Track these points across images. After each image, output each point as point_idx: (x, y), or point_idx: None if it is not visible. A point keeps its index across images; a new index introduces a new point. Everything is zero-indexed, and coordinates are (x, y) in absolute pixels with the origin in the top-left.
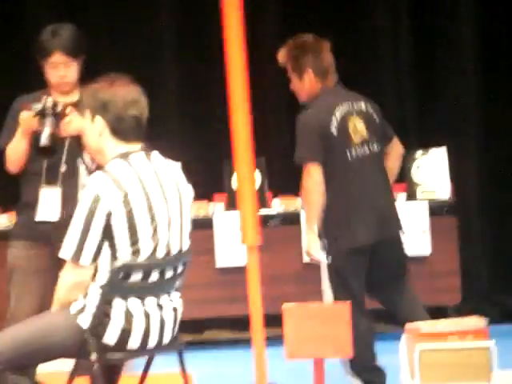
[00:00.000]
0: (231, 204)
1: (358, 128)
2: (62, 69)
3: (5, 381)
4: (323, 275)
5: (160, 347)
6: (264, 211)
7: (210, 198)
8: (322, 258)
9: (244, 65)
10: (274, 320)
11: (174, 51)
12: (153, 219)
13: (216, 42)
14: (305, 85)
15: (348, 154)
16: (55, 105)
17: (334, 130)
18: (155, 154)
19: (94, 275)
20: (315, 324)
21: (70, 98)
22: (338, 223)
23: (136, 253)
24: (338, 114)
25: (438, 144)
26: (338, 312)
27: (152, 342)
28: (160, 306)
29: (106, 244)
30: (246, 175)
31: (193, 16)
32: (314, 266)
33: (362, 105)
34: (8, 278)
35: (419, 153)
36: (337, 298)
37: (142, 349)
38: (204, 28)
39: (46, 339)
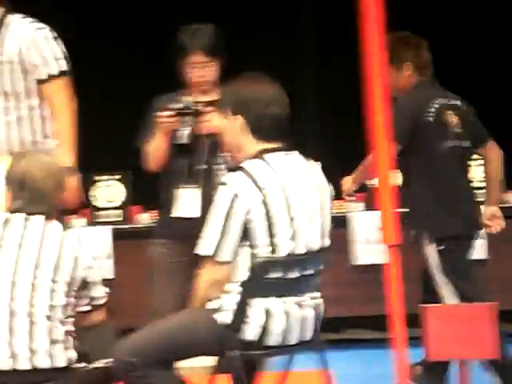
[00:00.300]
0: (369, 203)
1: (454, 122)
2: (201, 68)
3: (148, 376)
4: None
5: (301, 345)
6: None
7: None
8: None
9: (383, 76)
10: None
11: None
12: (292, 218)
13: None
14: (402, 78)
15: (442, 145)
16: (195, 104)
17: (431, 119)
18: (295, 153)
19: (233, 273)
20: (458, 324)
21: (209, 97)
22: (428, 212)
23: (275, 250)
24: (436, 105)
25: None
26: (482, 312)
27: (292, 340)
28: (300, 304)
29: (245, 242)
30: (386, 175)
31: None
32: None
33: (458, 102)
34: (149, 276)
35: None
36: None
37: (283, 347)
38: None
39: (187, 335)
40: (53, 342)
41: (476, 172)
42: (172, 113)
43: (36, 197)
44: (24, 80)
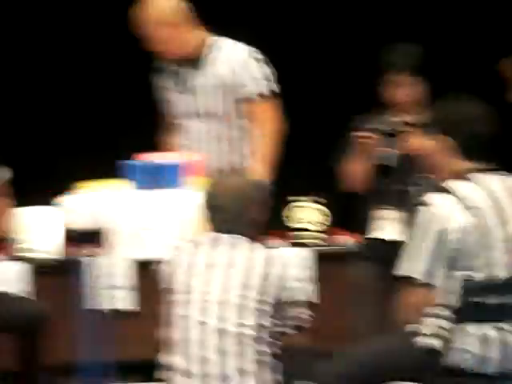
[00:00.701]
0: None
1: None
2: (407, 88)
3: None
4: None
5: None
6: None
7: None
8: None
9: None
10: None
11: None
12: (506, 238)
13: None
14: None
15: None
16: (398, 124)
17: None
18: (503, 173)
19: (438, 296)
20: None
21: (413, 117)
22: None
23: (489, 273)
24: None
25: None
26: None
27: (507, 369)
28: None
29: (453, 264)
30: None
31: None
32: None
33: None
34: (351, 298)
35: None
36: None
37: (497, 376)
38: None
39: (389, 359)
40: (259, 364)
41: None
42: (374, 133)
43: (230, 218)
44: (235, 101)
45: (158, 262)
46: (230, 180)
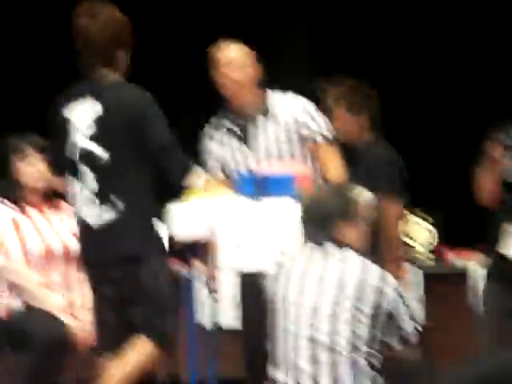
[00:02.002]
0: None
1: None
2: None
3: None
4: None
5: None
6: None
7: None
8: None
9: None
10: None
11: None
12: None
13: None
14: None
15: None
16: None
17: None
18: None
19: None
20: None
21: None
22: None
23: None
24: None
25: None
26: None
27: None
28: None
29: None
30: None
31: None
32: None
33: None
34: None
35: None
36: None
37: None
38: None
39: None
40: (357, 375)
41: None
42: (504, 146)
43: (321, 226)
44: (300, 142)
45: (263, 275)
46: (324, 192)
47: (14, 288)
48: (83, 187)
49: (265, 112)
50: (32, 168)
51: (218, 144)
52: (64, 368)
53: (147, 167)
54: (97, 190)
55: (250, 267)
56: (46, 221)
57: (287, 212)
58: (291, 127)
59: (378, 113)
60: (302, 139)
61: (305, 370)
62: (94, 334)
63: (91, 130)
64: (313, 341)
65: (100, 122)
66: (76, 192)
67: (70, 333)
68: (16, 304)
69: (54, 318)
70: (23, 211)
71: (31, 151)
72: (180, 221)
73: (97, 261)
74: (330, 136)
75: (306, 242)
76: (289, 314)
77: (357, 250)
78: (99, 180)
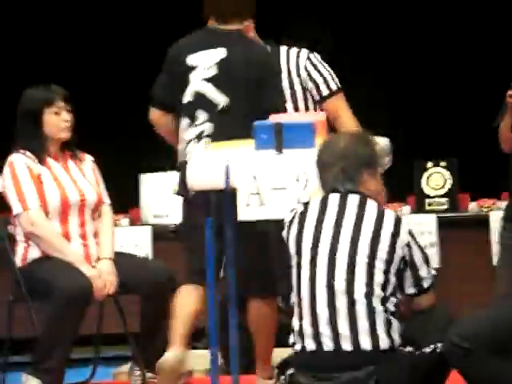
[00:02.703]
0: None
1: None
2: None
3: (484, 364)
4: None
5: None
6: None
7: None
8: None
9: None
10: None
11: None
12: None
13: None
14: None
15: None
16: None
17: None
18: None
19: None
20: None
21: None
22: None
23: None
24: None
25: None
26: None
27: None
28: None
29: None
30: None
31: None
32: None
33: None
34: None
35: None
36: None
37: None
38: None
39: None
40: (373, 322)
41: None
42: None
43: (344, 174)
44: (311, 100)
45: (285, 224)
46: (339, 138)
47: (32, 238)
48: (199, 132)
49: None
50: (60, 118)
51: None
52: (84, 317)
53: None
54: (211, 135)
55: (269, 216)
56: (65, 171)
57: (306, 161)
58: (294, 79)
59: None
60: (306, 92)
61: (322, 315)
62: (111, 284)
63: (212, 72)
64: (329, 286)
65: (223, 64)
66: (189, 137)
67: (89, 282)
68: (35, 254)
69: (74, 268)
70: (44, 162)
71: (59, 102)
72: (198, 170)
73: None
74: (336, 87)
75: (322, 188)
76: (305, 259)
77: (374, 197)
78: (215, 125)
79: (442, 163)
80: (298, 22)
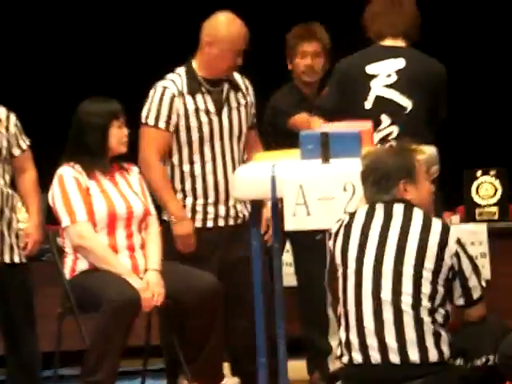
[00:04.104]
0: None
1: None
2: None
3: None
4: None
5: None
6: None
7: None
8: None
9: None
10: None
11: None
12: None
13: None
14: None
15: None
16: None
17: None
18: None
19: None
20: None
21: None
22: None
23: None
24: None
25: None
26: None
27: None
28: None
29: None
30: None
31: None
32: None
33: None
34: None
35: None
36: None
37: None
38: None
39: None
40: (421, 333)
41: None
42: None
43: (383, 185)
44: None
45: (331, 235)
46: (380, 150)
47: (80, 250)
48: (384, 135)
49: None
50: (122, 132)
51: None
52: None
53: (432, 132)
54: (397, 137)
55: (315, 227)
56: (112, 183)
57: (353, 170)
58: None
59: None
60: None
61: (369, 327)
62: (158, 295)
63: (394, 79)
64: (376, 297)
65: (403, 72)
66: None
67: (137, 294)
68: (83, 266)
69: (122, 279)
70: (92, 174)
71: (122, 115)
72: (244, 180)
73: None
74: None
75: (367, 200)
76: (351, 270)
77: (419, 207)
78: (402, 128)
79: (492, 172)
80: None
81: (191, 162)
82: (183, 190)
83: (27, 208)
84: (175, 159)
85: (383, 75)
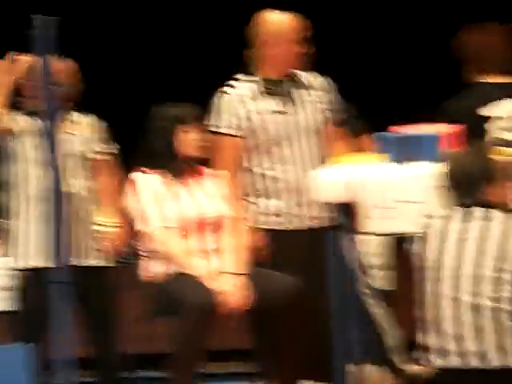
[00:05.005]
0: None
1: None
2: None
3: None
4: None
5: None
6: None
7: None
8: None
9: None
10: None
11: None
12: None
13: None
14: None
15: None
16: None
17: None
18: None
19: None
20: None
21: None
22: None
23: None
24: None
25: None
26: None
27: None
28: None
29: None
30: None
31: None
32: None
33: None
34: None
35: None
36: None
37: None
38: None
39: None
40: (501, 336)
41: None
42: None
43: (466, 189)
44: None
45: (411, 238)
46: (459, 153)
47: (155, 254)
48: None
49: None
50: (189, 136)
51: None
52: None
53: None
54: None
55: (399, 228)
56: (185, 187)
57: (432, 174)
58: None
59: None
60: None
61: (448, 331)
62: (238, 298)
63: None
64: (455, 301)
65: None
66: None
67: (216, 297)
68: (159, 269)
69: (201, 283)
70: (163, 179)
71: (190, 120)
72: (324, 182)
73: None
74: None
75: (451, 204)
76: (444, 278)
77: (503, 209)
78: None
79: None
80: None
81: (262, 165)
82: (257, 193)
83: (107, 211)
84: (247, 163)
85: (498, 118)
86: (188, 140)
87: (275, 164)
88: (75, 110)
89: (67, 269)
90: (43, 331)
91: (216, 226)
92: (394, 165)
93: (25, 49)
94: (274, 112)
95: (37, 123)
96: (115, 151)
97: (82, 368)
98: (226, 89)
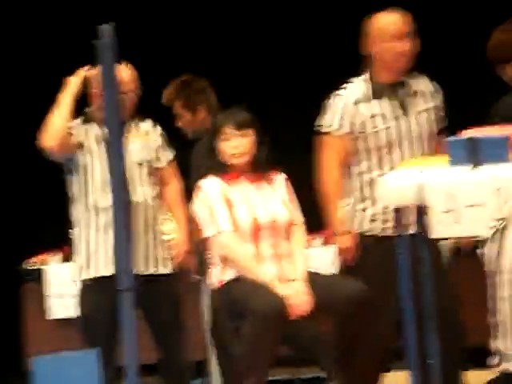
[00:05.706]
0: None
1: None
2: None
3: None
4: None
5: None
6: None
7: None
8: None
9: None
10: None
11: None
12: None
13: None
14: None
15: None
16: None
17: None
18: None
19: None
20: None
21: None
22: None
23: None
24: None
25: None
26: None
27: None
28: None
29: None
30: None
31: None
32: None
33: None
34: None
35: None
36: None
37: None
38: None
39: None
40: None
41: None
42: None
43: None
44: None
45: (481, 243)
46: None
47: (225, 260)
48: None
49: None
50: (228, 145)
51: None
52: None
53: None
54: None
55: (464, 234)
56: (256, 192)
57: (503, 176)
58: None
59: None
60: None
61: None
62: (306, 304)
63: None
64: None
65: None
66: None
67: (283, 302)
68: (230, 275)
69: (268, 288)
70: (234, 184)
71: (227, 128)
72: (391, 186)
73: None
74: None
75: None
76: (504, 278)
77: None
78: None
79: None
80: None
81: (370, 170)
82: (363, 199)
83: (173, 219)
84: (353, 167)
85: None
86: (225, 148)
87: (384, 170)
88: (135, 117)
89: (135, 277)
90: (111, 338)
91: (286, 231)
92: (464, 168)
93: (90, 59)
94: (387, 117)
95: (104, 133)
96: (174, 157)
97: (147, 375)
98: (340, 91)
